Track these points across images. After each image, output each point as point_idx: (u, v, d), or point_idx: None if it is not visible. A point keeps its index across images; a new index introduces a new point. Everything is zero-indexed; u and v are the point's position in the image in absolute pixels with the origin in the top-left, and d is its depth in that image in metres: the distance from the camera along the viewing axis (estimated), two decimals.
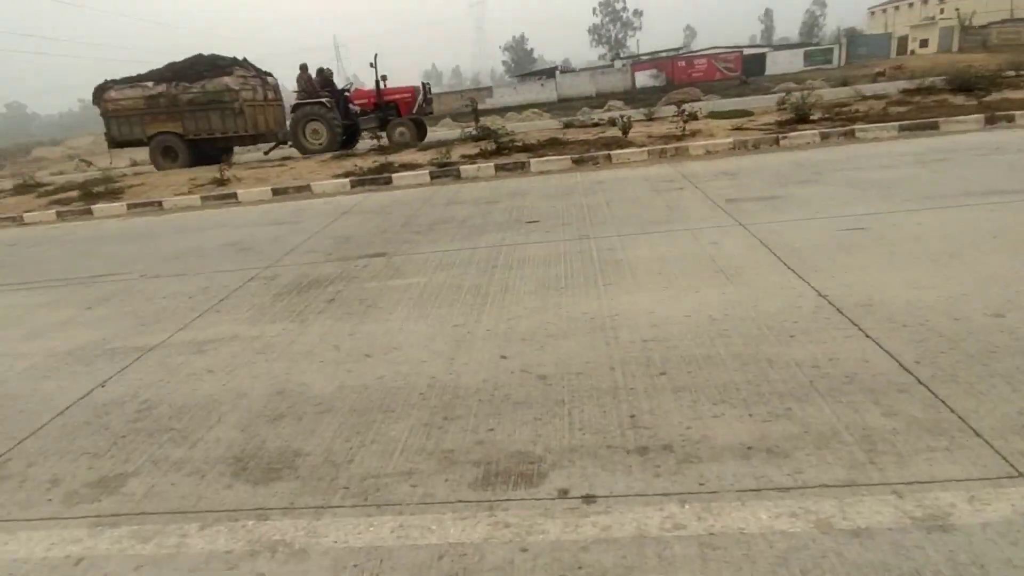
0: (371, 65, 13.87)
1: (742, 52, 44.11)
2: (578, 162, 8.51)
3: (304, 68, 13.71)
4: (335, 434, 2.50)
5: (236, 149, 15.76)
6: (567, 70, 52.27)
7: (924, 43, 50.35)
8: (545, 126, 14.38)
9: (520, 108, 34.16)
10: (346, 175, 9.10)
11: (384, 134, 14.06)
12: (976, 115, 8.09)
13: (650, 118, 12.52)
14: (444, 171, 8.71)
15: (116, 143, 14.50)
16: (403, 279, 4.47)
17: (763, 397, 2.37)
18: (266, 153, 15.23)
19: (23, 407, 3.12)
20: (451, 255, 4.93)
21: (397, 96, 14.16)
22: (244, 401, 2.89)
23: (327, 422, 2.60)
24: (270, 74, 15.39)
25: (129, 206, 9.24)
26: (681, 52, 48.68)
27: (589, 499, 1.92)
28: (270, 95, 15.18)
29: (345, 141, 14.02)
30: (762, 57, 43.09)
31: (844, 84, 21.27)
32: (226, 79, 13.71)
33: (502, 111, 33.89)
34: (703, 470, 1.99)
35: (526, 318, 3.47)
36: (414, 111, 14.10)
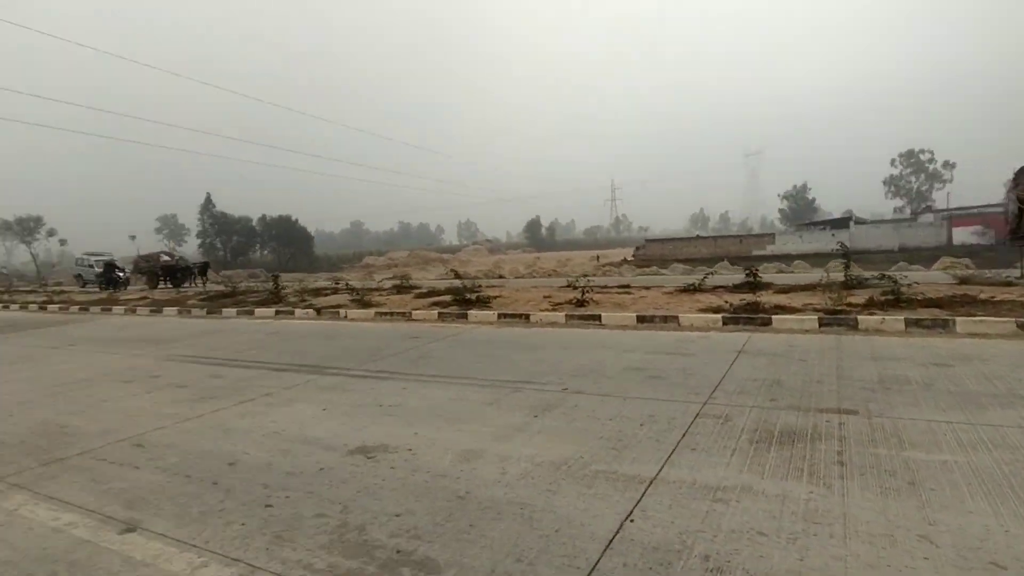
0: None
1: None
2: None
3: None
4: None
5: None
6: (861, 221, 47.75)
7: None
8: (924, 278, 12.37)
9: (805, 257, 31.65)
10: (714, 310, 8.69)
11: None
12: None
13: None
14: (836, 318, 7.70)
15: (1019, 236, 12.48)
16: (920, 452, 3.55)
17: None
18: None
19: (558, 527, 2.93)
20: (964, 431, 3.86)
21: None
22: None
23: None
24: None
25: (499, 315, 10.15)
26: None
27: None
28: None
29: None
30: None
31: None
32: None
33: (785, 259, 31.79)
34: None
35: None
36: None
